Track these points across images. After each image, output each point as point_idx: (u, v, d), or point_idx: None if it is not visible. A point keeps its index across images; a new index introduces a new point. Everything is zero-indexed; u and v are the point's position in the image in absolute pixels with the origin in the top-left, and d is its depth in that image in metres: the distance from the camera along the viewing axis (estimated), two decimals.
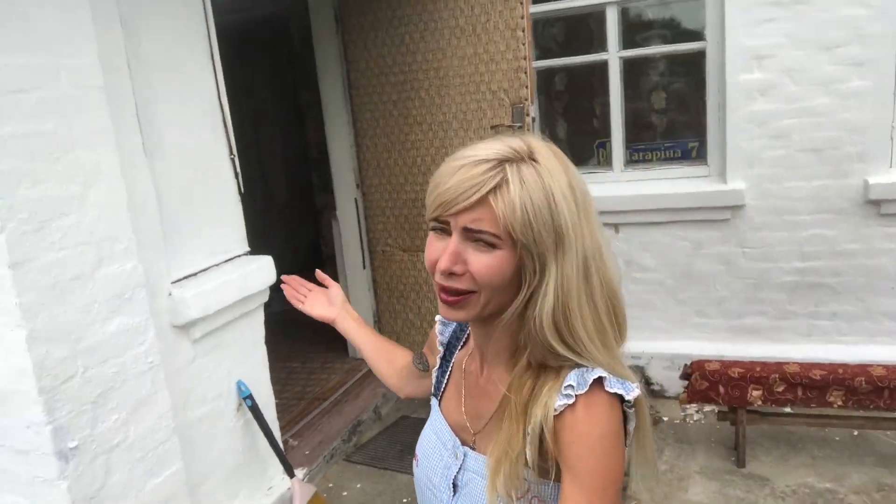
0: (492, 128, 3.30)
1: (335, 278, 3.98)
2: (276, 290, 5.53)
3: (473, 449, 1.02)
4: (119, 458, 2.07)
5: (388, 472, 3.11)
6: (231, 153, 2.70)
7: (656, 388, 3.77)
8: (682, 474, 2.96)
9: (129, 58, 2.21)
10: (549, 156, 0.91)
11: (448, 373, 1.13)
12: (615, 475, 0.88)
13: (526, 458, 0.90)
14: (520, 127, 3.24)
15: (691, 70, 3.79)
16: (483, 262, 0.89)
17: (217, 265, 2.61)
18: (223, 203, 2.66)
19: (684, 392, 3.10)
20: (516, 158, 0.88)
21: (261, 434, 2.75)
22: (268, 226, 5.61)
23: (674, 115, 3.95)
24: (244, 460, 2.71)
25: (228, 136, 2.69)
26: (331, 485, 3.05)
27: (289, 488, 2.79)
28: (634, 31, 3.77)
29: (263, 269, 2.74)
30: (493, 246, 0.88)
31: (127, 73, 2.20)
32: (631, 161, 3.87)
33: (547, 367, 0.93)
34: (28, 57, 1.80)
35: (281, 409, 3.29)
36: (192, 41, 2.51)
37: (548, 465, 0.91)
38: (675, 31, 3.75)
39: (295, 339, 4.42)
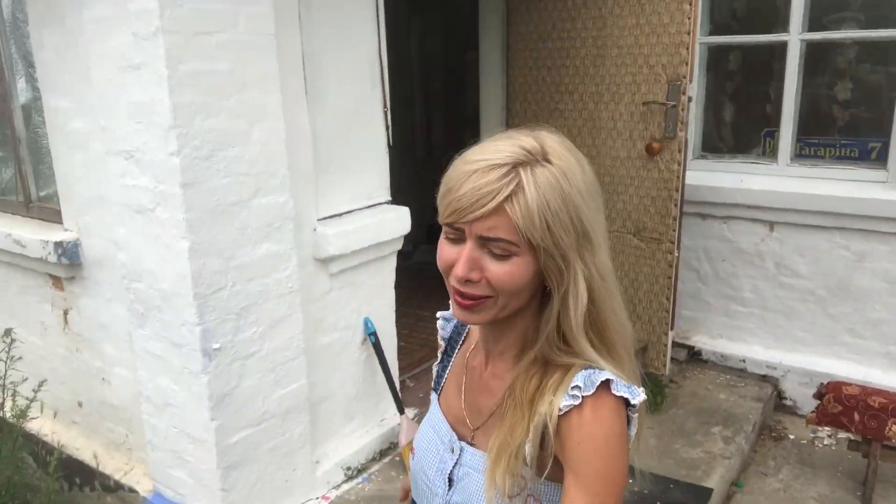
0: (643, 104, 3.21)
1: None
2: (424, 242, 5.79)
3: (471, 444, 1.02)
4: (253, 365, 2.34)
5: None
6: (385, 106, 2.87)
7: (788, 403, 3.55)
8: (797, 497, 2.79)
9: (300, 9, 2.42)
10: (564, 154, 0.89)
11: (449, 368, 1.13)
12: (620, 479, 0.87)
13: (524, 455, 0.89)
14: (673, 106, 3.12)
15: (888, 60, 3.41)
16: (501, 270, 0.87)
17: (359, 209, 2.81)
18: (372, 152, 2.84)
19: (813, 412, 2.89)
20: (530, 161, 0.86)
21: (379, 369, 2.96)
22: (426, 176, 5.84)
23: (858, 110, 3.59)
24: (362, 390, 2.93)
25: (384, 90, 2.85)
26: None
27: (398, 423, 2.99)
28: (824, 10, 3.45)
29: (400, 219, 2.91)
30: (510, 253, 0.87)
31: (297, 24, 2.41)
32: (800, 155, 3.59)
33: (552, 363, 0.92)
34: (213, 3, 2.05)
35: (404, 352, 3.49)
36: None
37: (546, 463, 0.90)
38: (871, 15, 3.38)
39: (431, 291, 4.61)
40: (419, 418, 3.10)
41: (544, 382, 0.91)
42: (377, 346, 2.92)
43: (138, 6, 1.96)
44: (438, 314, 1.19)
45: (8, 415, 2.58)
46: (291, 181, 2.39)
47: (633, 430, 0.90)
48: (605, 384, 0.87)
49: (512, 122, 3.80)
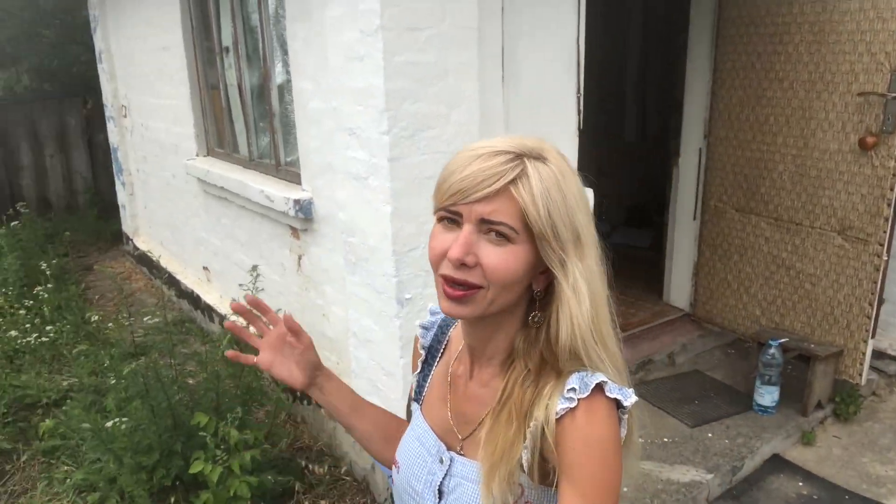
0: (859, 94, 2.99)
1: (668, 222, 4.14)
2: (623, 223, 5.81)
3: (461, 454, 1.00)
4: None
5: (661, 412, 3.27)
6: (578, 91, 3.04)
7: None
8: None
9: (504, 2, 2.67)
10: (559, 159, 0.90)
11: (430, 377, 1.11)
12: (614, 481, 0.87)
13: (522, 463, 0.89)
14: (894, 98, 2.87)
15: None
16: (496, 256, 0.87)
17: None
18: (562, 136, 3.03)
19: None
20: (531, 155, 0.88)
21: None
22: (634, 159, 5.87)
23: None
24: None
25: (579, 76, 3.02)
26: None
27: None
28: None
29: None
30: (507, 239, 0.86)
31: (500, 14, 2.67)
32: None
33: (546, 370, 0.91)
34: (424, 2, 2.38)
35: None
36: None
37: (546, 468, 0.90)
38: None
39: (622, 271, 4.70)
40: None
41: (539, 388, 0.90)
42: None
43: (364, 6, 2.36)
44: (417, 322, 1.16)
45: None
46: None
47: (624, 432, 0.89)
48: (599, 387, 0.87)
49: (716, 107, 3.73)
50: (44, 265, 4.79)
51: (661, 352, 3.71)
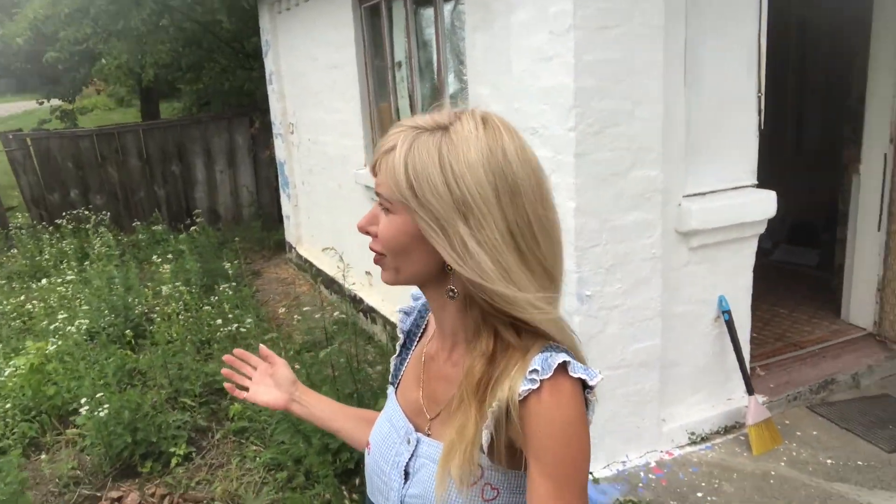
0: None
1: (844, 237, 3.87)
2: (785, 241, 5.49)
3: (428, 435, 1.00)
4: (616, 316, 2.69)
5: (850, 434, 3.05)
6: (759, 91, 2.95)
7: None
8: None
9: (687, 2, 2.65)
10: (470, 128, 0.86)
11: (407, 361, 1.12)
12: (583, 462, 0.86)
13: (482, 444, 0.87)
14: None
15: None
16: (381, 225, 0.90)
17: (724, 190, 2.94)
18: (742, 136, 2.95)
19: None
20: (425, 128, 0.87)
21: (730, 348, 3.06)
22: (791, 172, 5.57)
23: None
24: (711, 365, 3.07)
25: (760, 76, 2.93)
26: (787, 422, 3.17)
27: (746, 406, 3.05)
28: None
29: (765, 203, 2.96)
30: (387, 209, 0.90)
31: (683, 14, 2.65)
32: None
33: (509, 348, 0.89)
34: (615, 2, 2.42)
35: (756, 343, 3.50)
36: None
37: (514, 451, 0.88)
38: None
39: (790, 289, 4.46)
40: (767, 407, 3.12)
41: (502, 367, 0.88)
42: (730, 325, 3.03)
43: (556, 9, 2.43)
44: (398, 308, 1.17)
45: None
46: (664, 158, 2.65)
47: (592, 413, 0.88)
48: (562, 366, 0.85)
49: None
50: (227, 265, 5.23)
51: (845, 372, 3.45)
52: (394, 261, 0.91)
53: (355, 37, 4.46)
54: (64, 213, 7.23)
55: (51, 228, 7.06)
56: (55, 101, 10.66)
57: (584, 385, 0.86)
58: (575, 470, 0.84)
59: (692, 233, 2.84)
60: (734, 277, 3.05)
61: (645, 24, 2.49)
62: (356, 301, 4.97)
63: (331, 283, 5.48)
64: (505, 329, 0.89)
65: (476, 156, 0.85)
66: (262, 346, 1.29)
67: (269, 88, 6.48)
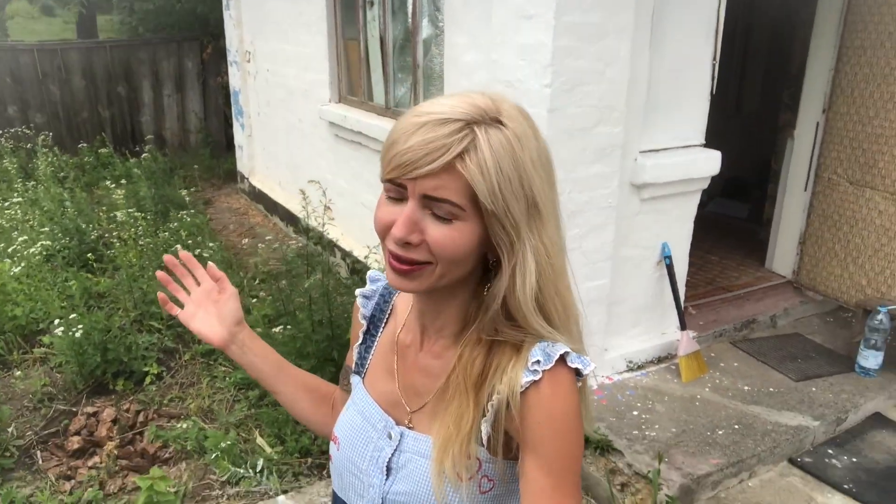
0: None
1: (774, 194, 4.29)
2: (719, 195, 5.89)
3: (410, 428, 0.96)
4: (573, 258, 2.90)
5: (765, 366, 3.48)
6: (714, 58, 3.21)
7: None
8: None
9: None
10: (519, 118, 0.84)
11: (373, 349, 1.06)
12: (578, 453, 0.86)
13: (481, 436, 0.87)
14: None
15: None
16: (443, 234, 0.82)
17: (675, 147, 3.23)
18: (695, 99, 3.22)
19: None
20: (484, 120, 0.81)
21: (668, 289, 3.42)
22: (729, 131, 5.95)
23: None
24: (650, 303, 3.43)
25: (716, 43, 3.19)
26: (712, 355, 3.59)
27: (677, 339, 3.44)
28: None
29: (710, 161, 3.27)
30: (454, 217, 0.81)
31: None
32: None
33: (501, 341, 0.88)
34: None
35: (689, 286, 3.87)
36: None
37: (509, 443, 0.88)
38: None
39: (721, 239, 4.88)
40: (697, 339, 3.52)
41: (496, 361, 0.87)
42: (670, 269, 3.38)
43: None
44: (357, 291, 1.10)
45: None
46: (626, 115, 2.90)
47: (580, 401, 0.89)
48: (561, 357, 0.85)
49: (838, 83, 3.83)
50: (183, 192, 5.25)
51: (764, 313, 3.90)
52: (444, 268, 0.84)
53: None
54: (1, 131, 6.95)
55: None
56: None
57: (577, 374, 0.87)
58: (572, 461, 0.85)
59: (644, 185, 3.13)
60: (677, 227, 3.39)
61: None
62: (318, 237, 5.12)
63: (287, 215, 5.58)
64: (504, 323, 0.87)
65: (535, 152, 0.83)
66: (211, 264, 1.10)
67: (226, 14, 6.34)
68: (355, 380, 1.07)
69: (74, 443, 3.15)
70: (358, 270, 4.43)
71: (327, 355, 3.16)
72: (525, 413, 0.84)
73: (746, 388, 3.28)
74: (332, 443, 1.04)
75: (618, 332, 3.37)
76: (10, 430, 3.12)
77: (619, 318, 3.35)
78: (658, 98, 3.08)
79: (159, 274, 1.11)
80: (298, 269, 4.18)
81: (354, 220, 4.59)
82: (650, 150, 3.15)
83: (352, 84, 4.63)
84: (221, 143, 8.01)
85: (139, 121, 7.82)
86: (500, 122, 0.81)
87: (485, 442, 0.87)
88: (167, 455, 3.11)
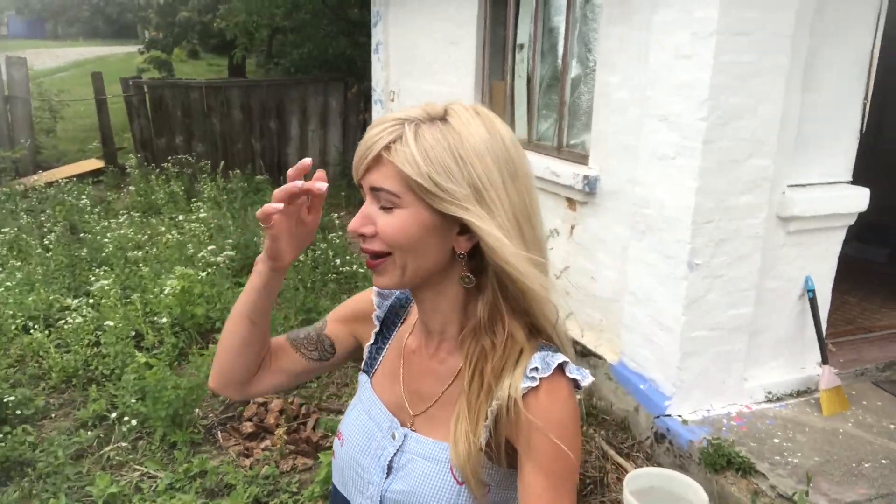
0: None
1: None
2: (854, 238, 5.78)
3: (413, 430, 0.99)
4: (718, 284, 3.10)
5: None
6: (865, 98, 3.29)
7: None
8: None
9: (813, 14, 3.01)
10: (467, 118, 0.89)
11: (384, 350, 1.08)
12: (575, 462, 0.88)
13: (480, 441, 0.89)
14: None
15: None
16: (387, 222, 0.88)
17: (822, 183, 3.31)
18: (844, 136, 3.30)
19: None
20: (422, 119, 0.87)
21: (810, 323, 3.45)
22: (865, 171, 5.82)
23: None
24: (791, 336, 3.47)
25: (869, 83, 3.27)
26: (853, 393, 3.56)
27: (817, 374, 3.45)
28: None
29: (857, 198, 3.32)
30: (394, 204, 0.87)
31: (808, 25, 3.00)
32: None
33: (509, 344, 0.90)
34: (752, 11, 2.79)
35: (828, 324, 3.87)
36: (864, 7, 3.13)
37: (507, 449, 0.90)
38: None
39: (859, 282, 4.80)
40: (839, 376, 3.51)
41: (504, 364, 0.90)
42: (813, 303, 3.42)
43: (701, 14, 2.81)
44: (373, 288, 1.11)
45: None
46: (776, 150, 3.04)
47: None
48: (560, 367, 0.88)
49: None
50: (335, 216, 5.75)
51: None
52: (401, 258, 0.89)
53: (478, 16, 4.87)
54: (169, 157, 7.85)
55: (157, 170, 7.71)
56: (124, 49, 11.39)
57: (575, 385, 0.89)
58: (570, 469, 0.86)
59: (791, 218, 3.22)
60: (821, 261, 3.43)
61: (777, 32, 2.86)
62: None
63: None
64: (511, 321, 0.90)
65: (480, 143, 0.87)
66: (321, 171, 0.95)
67: (374, 57, 6.93)
68: (363, 378, 1.10)
69: (248, 427, 3.56)
70: None
71: None
72: (523, 419, 0.86)
73: (892, 426, 3.24)
74: (336, 439, 1.09)
75: (758, 363, 3.43)
76: (196, 410, 3.57)
77: (760, 348, 3.41)
78: (808, 134, 3.19)
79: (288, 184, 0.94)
80: None
81: None
82: (798, 185, 3.25)
83: None
84: None
85: (286, 152, 8.58)
86: (443, 120, 0.88)
87: (483, 446, 0.89)
88: (328, 444, 3.46)
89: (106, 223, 5.63)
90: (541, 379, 0.86)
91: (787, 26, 2.87)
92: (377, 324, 1.09)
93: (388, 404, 1.02)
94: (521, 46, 4.51)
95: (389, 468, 0.98)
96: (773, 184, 3.11)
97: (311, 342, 1.12)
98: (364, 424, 1.03)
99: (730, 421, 3.25)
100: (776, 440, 3.11)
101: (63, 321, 3.89)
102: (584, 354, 3.82)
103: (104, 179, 7.87)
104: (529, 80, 4.42)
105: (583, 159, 3.86)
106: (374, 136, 0.87)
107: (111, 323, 3.66)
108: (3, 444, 2.95)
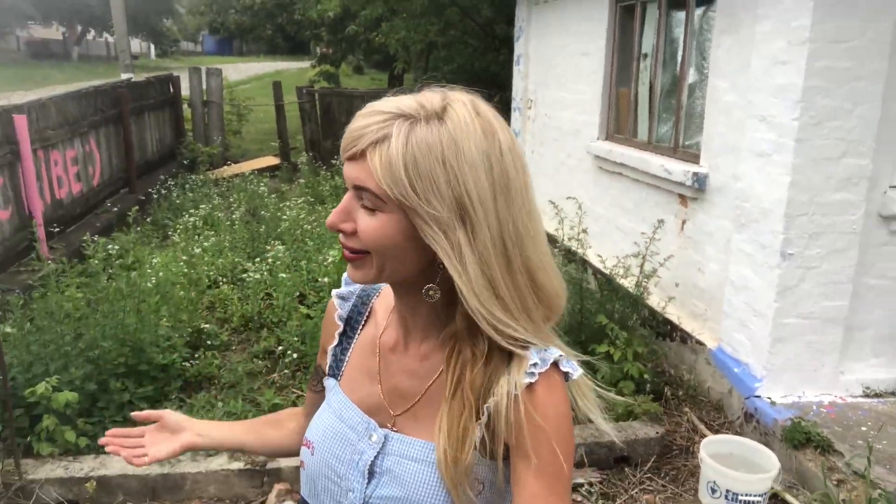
0: None
1: None
2: None
3: (395, 431, 0.95)
4: (811, 275, 3.31)
5: None
6: None
7: None
8: None
9: None
10: (467, 120, 0.82)
11: (350, 350, 1.05)
12: (570, 457, 0.87)
13: (475, 439, 0.87)
14: None
15: None
16: (367, 224, 0.83)
17: None
18: None
19: None
20: (417, 116, 0.81)
21: None
22: None
23: None
24: (895, 335, 3.55)
25: None
26: None
27: None
28: None
29: None
30: (377, 207, 0.82)
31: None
32: None
33: (494, 347, 0.88)
34: (848, 20, 3.01)
35: None
36: None
37: (493, 445, 0.87)
38: None
39: None
40: None
41: (492, 364, 0.88)
42: None
43: (796, 24, 3.08)
44: (334, 292, 1.09)
45: (631, 287, 4.17)
46: (876, 151, 3.20)
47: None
48: (554, 362, 0.87)
49: None
50: None
51: None
52: (379, 260, 0.85)
53: (607, 29, 5.28)
54: (335, 157, 8.89)
55: (324, 168, 8.76)
56: (298, 64, 12.79)
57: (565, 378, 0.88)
58: (564, 465, 0.85)
59: (894, 217, 3.35)
60: None
61: (876, 39, 3.06)
62: (570, 252, 5.86)
63: (548, 238, 6.40)
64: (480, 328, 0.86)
65: (476, 153, 0.81)
66: (134, 413, 1.15)
67: (515, 69, 7.50)
68: (330, 382, 1.05)
69: None
70: (606, 286, 5.06)
71: (576, 337, 3.84)
72: (519, 416, 0.84)
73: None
74: (304, 447, 1.02)
75: (857, 358, 3.55)
76: None
77: (860, 344, 3.53)
78: None
79: (110, 450, 1.10)
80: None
81: (606, 241, 5.24)
82: None
83: (619, 124, 5.35)
84: None
85: None
86: (440, 120, 0.81)
87: (477, 444, 0.87)
88: None
89: (280, 206, 6.63)
90: (539, 374, 0.85)
91: (888, 33, 3.06)
92: (340, 324, 1.06)
93: (363, 406, 0.98)
94: (645, 56, 4.86)
95: (371, 473, 0.93)
96: (872, 183, 3.27)
97: (316, 377, 1.14)
98: (336, 428, 0.98)
99: (820, 408, 3.42)
100: (864, 428, 3.25)
101: (243, 279, 4.79)
102: (684, 341, 4.10)
103: (279, 174, 9.07)
104: (651, 87, 4.76)
105: (695, 158, 4.16)
106: (363, 128, 0.82)
107: (284, 275, 4.49)
108: (198, 363, 3.80)
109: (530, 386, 0.85)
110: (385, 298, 1.04)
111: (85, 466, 2.98)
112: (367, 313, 1.05)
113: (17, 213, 5.20)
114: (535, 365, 0.85)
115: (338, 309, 1.07)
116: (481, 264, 0.82)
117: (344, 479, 0.95)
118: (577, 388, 0.91)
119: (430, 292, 0.87)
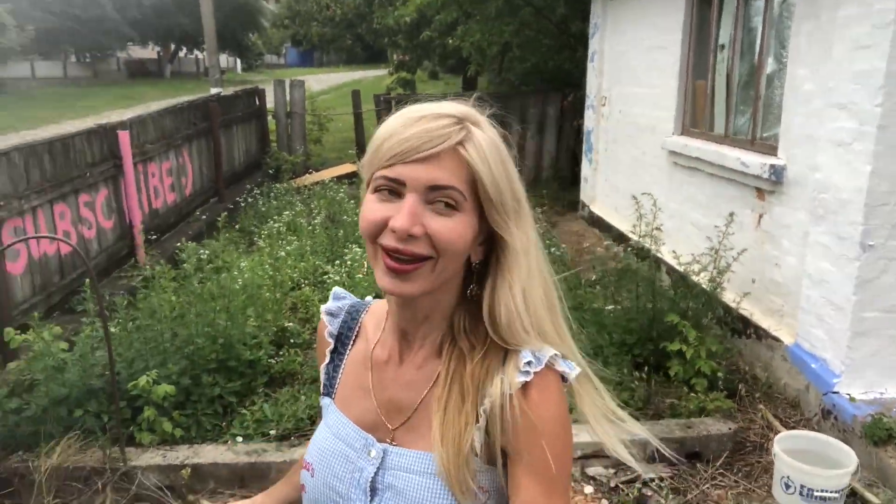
0: None
1: None
2: None
3: (394, 445, 0.93)
4: (892, 268, 3.16)
5: None
6: None
7: None
8: None
9: None
10: (488, 125, 0.88)
11: (342, 368, 1.03)
12: (568, 458, 0.86)
13: (475, 445, 0.86)
14: None
15: None
16: (442, 225, 0.82)
17: None
18: None
19: None
20: (473, 120, 0.86)
21: None
22: None
23: None
24: None
25: None
26: None
27: None
28: None
29: None
30: (454, 208, 0.83)
31: None
32: None
33: (491, 346, 0.89)
34: None
35: None
36: None
37: (494, 448, 0.87)
38: None
39: None
40: None
41: (486, 367, 0.88)
42: None
43: (881, 6, 2.97)
44: (323, 308, 1.08)
45: (705, 283, 4.08)
46: None
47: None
48: (549, 361, 0.86)
49: None
50: (538, 210, 6.39)
51: None
52: (444, 264, 0.84)
53: (684, 21, 5.19)
54: None
55: None
56: (375, 72, 13.14)
57: (562, 378, 0.87)
58: (562, 467, 0.84)
59: None
60: None
61: None
62: (643, 250, 5.78)
63: (619, 237, 6.34)
64: (491, 327, 0.88)
65: (509, 156, 0.87)
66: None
67: (590, 66, 7.45)
68: (325, 401, 1.04)
69: None
70: (680, 283, 4.96)
71: (648, 334, 3.81)
72: (515, 418, 0.83)
73: None
74: (304, 470, 1.00)
75: None
76: None
77: None
78: None
79: None
80: (628, 268, 4.87)
81: (681, 237, 5.14)
82: None
83: (695, 117, 5.24)
84: (568, 178, 9.18)
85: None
86: (481, 125, 0.87)
87: (478, 451, 0.86)
88: None
89: (358, 211, 6.86)
90: (534, 373, 0.84)
91: None
92: (331, 341, 1.05)
93: (359, 422, 0.97)
94: (723, 47, 4.75)
95: (373, 490, 0.92)
96: None
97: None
98: (334, 447, 0.97)
99: None
100: None
101: (324, 281, 5.01)
102: (759, 337, 3.99)
103: (356, 181, 9.36)
104: (728, 78, 4.65)
105: (772, 150, 4.04)
106: (439, 130, 0.82)
107: (360, 276, 4.67)
108: (282, 360, 4.02)
109: (524, 385, 0.84)
110: (374, 314, 1.04)
111: (180, 455, 3.22)
112: (356, 329, 1.05)
113: (118, 223, 5.64)
114: (529, 363, 0.85)
115: (327, 326, 1.06)
116: (527, 257, 0.87)
117: (346, 498, 0.94)
118: (578, 389, 0.91)
119: (473, 291, 0.91)
